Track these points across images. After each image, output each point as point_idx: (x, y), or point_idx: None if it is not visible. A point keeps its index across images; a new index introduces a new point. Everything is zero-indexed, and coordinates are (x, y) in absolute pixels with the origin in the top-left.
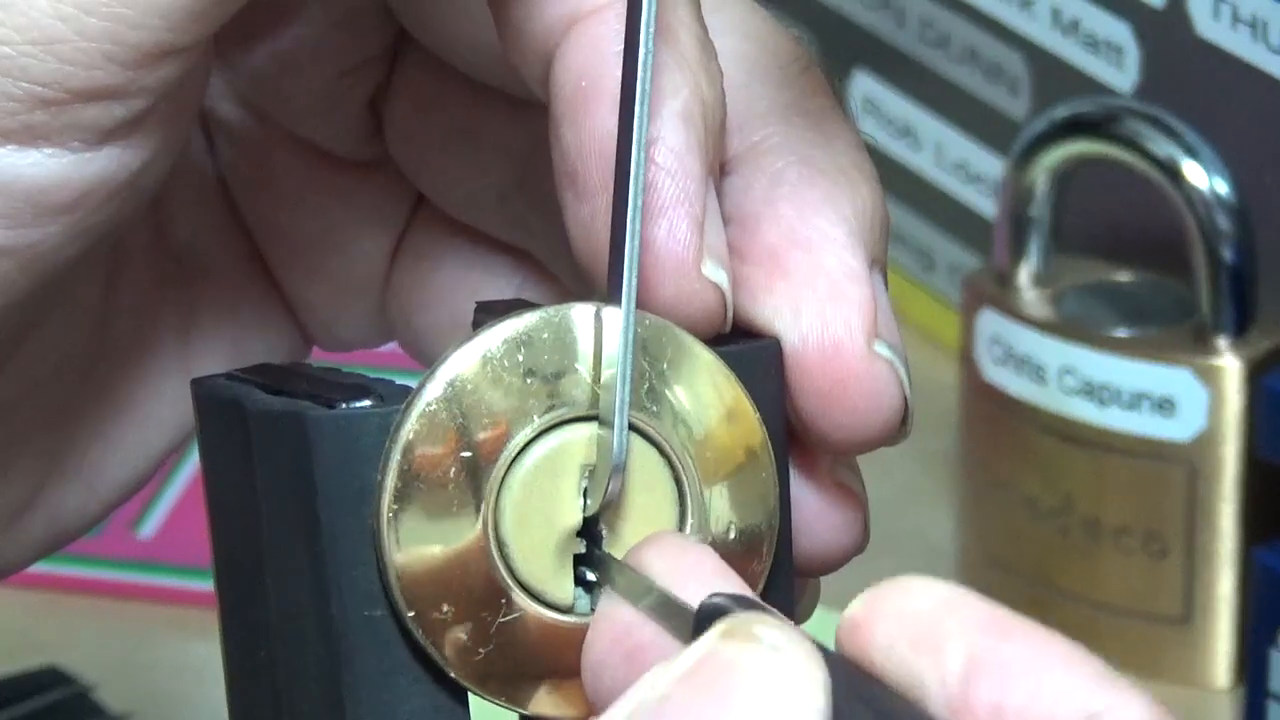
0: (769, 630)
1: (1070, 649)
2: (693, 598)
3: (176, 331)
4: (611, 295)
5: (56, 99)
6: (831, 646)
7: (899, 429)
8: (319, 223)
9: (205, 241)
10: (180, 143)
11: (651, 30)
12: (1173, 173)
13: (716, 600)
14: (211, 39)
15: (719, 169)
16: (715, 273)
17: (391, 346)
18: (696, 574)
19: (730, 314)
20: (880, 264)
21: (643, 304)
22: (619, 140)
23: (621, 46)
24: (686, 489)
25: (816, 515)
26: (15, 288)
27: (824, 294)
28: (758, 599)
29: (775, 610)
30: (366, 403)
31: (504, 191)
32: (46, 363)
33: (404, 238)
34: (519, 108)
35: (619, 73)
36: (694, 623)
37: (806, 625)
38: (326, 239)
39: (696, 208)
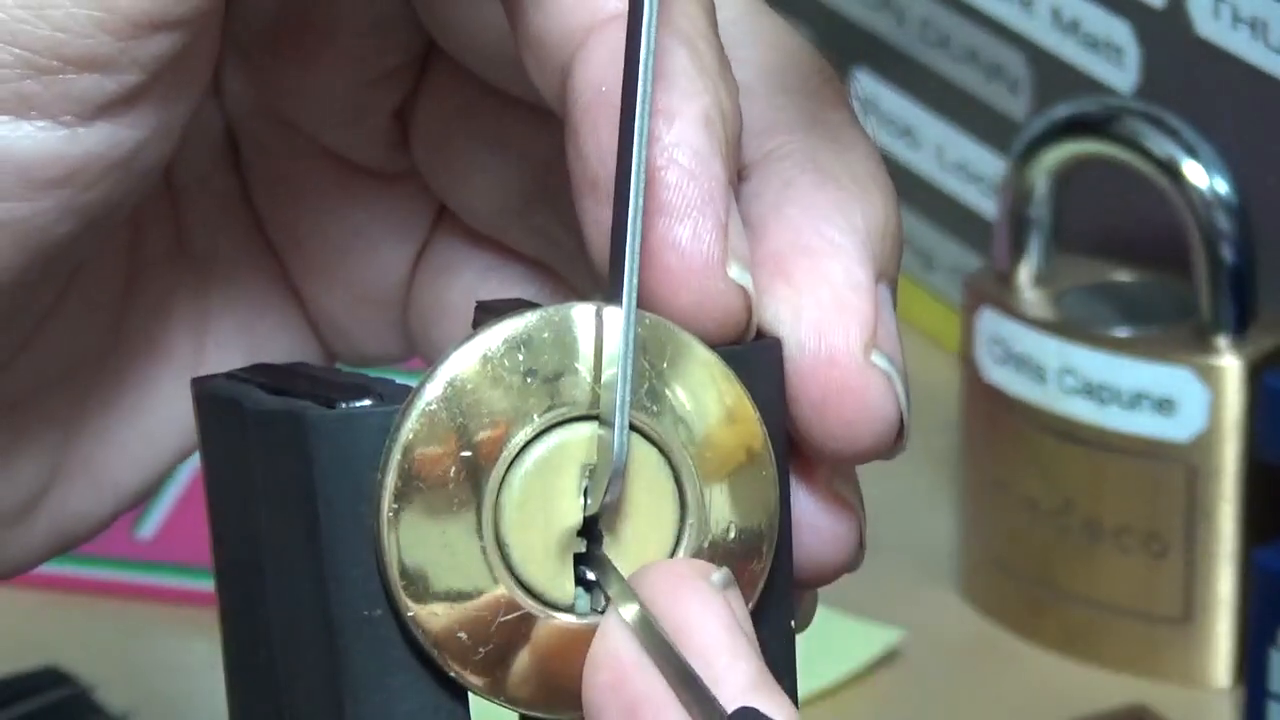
0: None
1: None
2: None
3: (192, 339)
4: (613, 295)
5: (48, 67)
6: (831, 640)
7: (894, 443)
8: (341, 232)
9: (225, 250)
10: (180, 126)
11: (653, 33)
12: (1173, 172)
13: None
14: (213, 20)
15: (736, 177)
16: (741, 276)
17: None
18: (705, 626)
19: (754, 319)
20: (889, 278)
21: (665, 307)
22: (620, 142)
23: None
24: (687, 489)
25: (811, 526)
26: (10, 265)
27: (825, 302)
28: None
29: None
30: (366, 402)
31: (527, 203)
32: (58, 361)
33: (425, 249)
34: (545, 119)
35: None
36: None
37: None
38: (349, 249)
39: (721, 210)
